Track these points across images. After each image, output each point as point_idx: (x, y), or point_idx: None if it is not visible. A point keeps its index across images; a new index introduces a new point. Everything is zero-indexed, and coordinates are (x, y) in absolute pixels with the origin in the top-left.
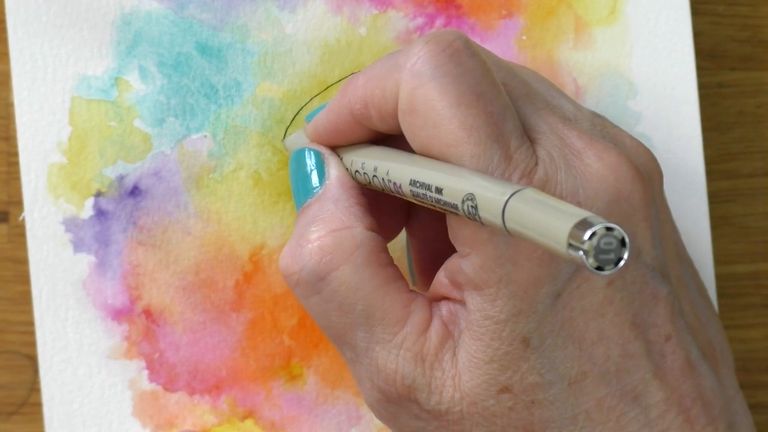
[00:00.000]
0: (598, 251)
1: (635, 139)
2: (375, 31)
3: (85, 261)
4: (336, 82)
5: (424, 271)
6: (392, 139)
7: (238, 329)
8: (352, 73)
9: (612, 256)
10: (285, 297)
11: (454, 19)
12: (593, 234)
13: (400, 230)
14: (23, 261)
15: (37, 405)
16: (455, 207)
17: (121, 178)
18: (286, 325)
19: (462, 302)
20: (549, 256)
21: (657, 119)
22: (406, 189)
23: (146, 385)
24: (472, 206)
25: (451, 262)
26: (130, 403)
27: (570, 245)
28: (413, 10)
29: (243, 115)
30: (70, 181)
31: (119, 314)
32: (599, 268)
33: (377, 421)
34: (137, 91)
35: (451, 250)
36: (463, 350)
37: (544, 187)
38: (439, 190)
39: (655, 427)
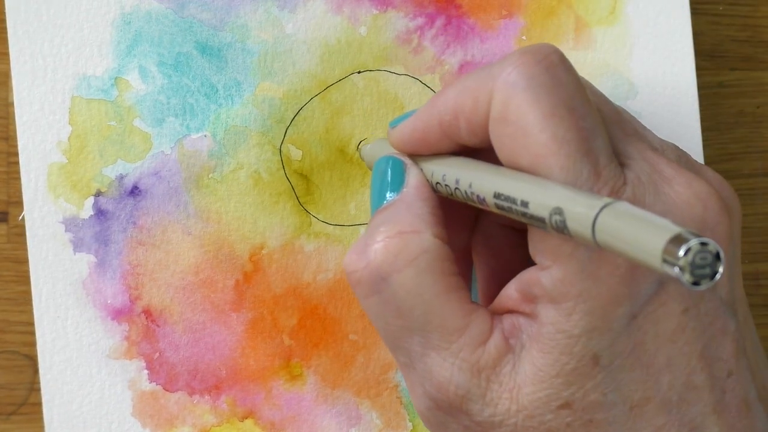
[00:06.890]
0: (694, 266)
1: (717, 175)
2: (375, 31)
3: (85, 261)
4: (336, 82)
5: (488, 287)
6: (476, 153)
7: (238, 329)
8: (355, 72)
9: (707, 270)
10: (285, 297)
11: (454, 19)
12: (688, 249)
13: (466, 242)
14: (23, 261)
15: (37, 405)
16: (542, 220)
17: (120, 178)
18: (286, 325)
19: (529, 316)
20: (630, 275)
21: (657, 119)
22: (490, 201)
23: (146, 385)
24: (560, 220)
25: (527, 275)
26: (130, 403)
27: (665, 261)
28: (413, 9)
29: (243, 114)
30: (70, 180)
31: (119, 314)
32: (695, 283)
33: (377, 421)
34: (137, 91)
35: (514, 266)
36: (527, 363)
37: None
38: (525, 204)
39: None
